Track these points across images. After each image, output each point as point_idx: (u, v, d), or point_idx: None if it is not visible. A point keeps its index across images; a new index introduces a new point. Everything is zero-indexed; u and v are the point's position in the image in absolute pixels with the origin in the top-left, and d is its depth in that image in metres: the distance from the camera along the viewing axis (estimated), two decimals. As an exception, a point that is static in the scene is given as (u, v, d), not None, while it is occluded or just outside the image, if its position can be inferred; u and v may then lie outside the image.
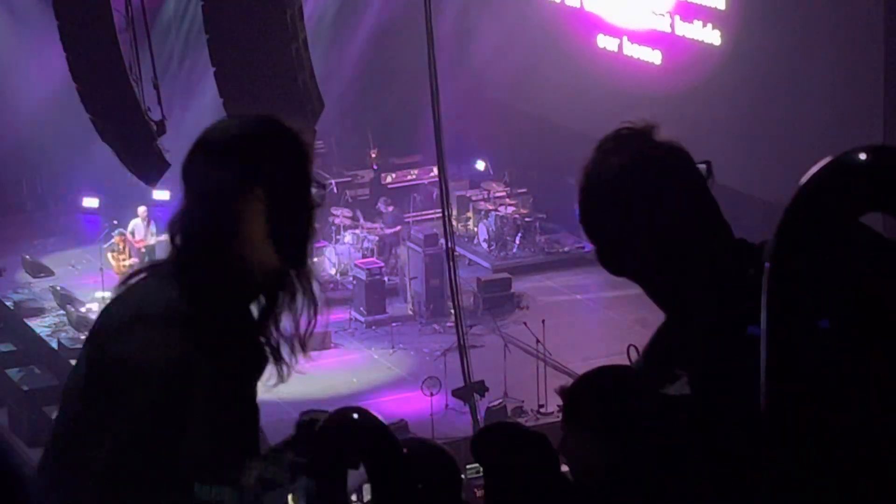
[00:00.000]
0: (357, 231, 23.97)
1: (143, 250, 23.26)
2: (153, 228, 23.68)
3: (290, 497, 2.87)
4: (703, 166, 2.13)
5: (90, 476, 2.84)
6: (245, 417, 2.98)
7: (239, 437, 2.92)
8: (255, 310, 3.01)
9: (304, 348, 3.00)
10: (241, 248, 2.89)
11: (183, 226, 2.93)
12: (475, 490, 10.62)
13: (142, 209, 23.60)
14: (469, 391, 17.61)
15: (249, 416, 3.01)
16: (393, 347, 20.80)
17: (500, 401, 19.23)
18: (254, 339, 3.00)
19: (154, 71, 16.61)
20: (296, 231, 2.92)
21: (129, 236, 23.35)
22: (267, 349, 3.01)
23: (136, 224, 23.54)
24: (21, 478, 1.75)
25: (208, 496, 2.83)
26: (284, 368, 3.03)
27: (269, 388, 3.08)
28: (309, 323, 2.99)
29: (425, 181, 25.31)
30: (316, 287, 3.01)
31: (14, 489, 1.72)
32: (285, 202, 2.90)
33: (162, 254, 3.16)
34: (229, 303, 2.91)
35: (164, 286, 2.91)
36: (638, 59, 23.22)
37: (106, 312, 2.98)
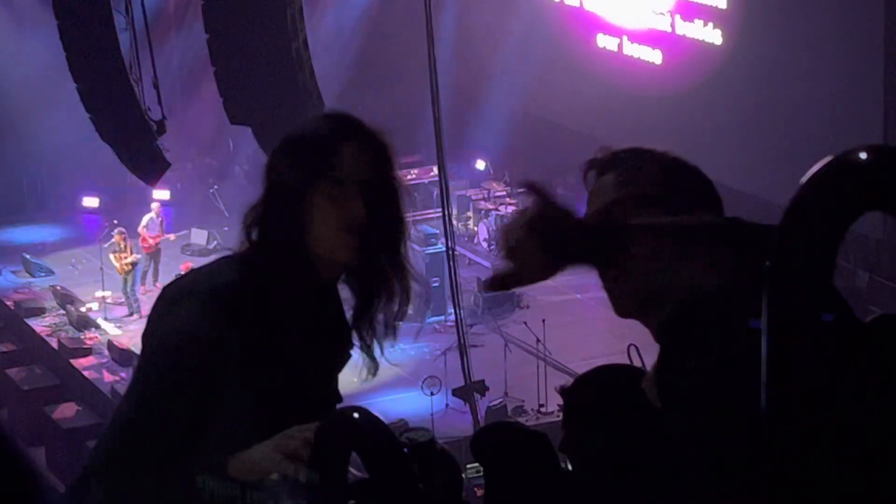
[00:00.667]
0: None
1: (158, 246, 23.27)
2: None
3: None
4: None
5: (108, 434, 2.94)
6: (302, 407, 2.98)
7: (280, 425, 2.92)
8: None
9: (393, 336, 3.12)
10: (310, 239, 2.95)
11: (256, 218, 2.97)
12: (475, 489, 10.63)
13: (155, 205, 23.68)
14: (469, 390, 17.62)
15: (312, 405, 3.00)
16: (393, 346, 20.78)
17: (501, 400, 19.23)
18: (334, 329, 3.05)
19: (154, 70, 16.63)
20: (375, 224, 2.96)
21: (141, 231, 23.36)
22: (357, 341, 3.09)
23: (150, 219, 23.57)
24: (34, 475, 1.75)
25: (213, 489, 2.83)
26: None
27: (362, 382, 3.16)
28: (397, 311, 3.08)
29: (425, 180, 25.30)
30: (409, 278, 3.07)
31: (28, 488, 1.72)
32: (358, 196, 2.94)
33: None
34: (296, 291, 2.94)
35: (227, 268, 2.98)
36: (638, 58, 23.22)
37: (166, 286, 3.06)
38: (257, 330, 2.89)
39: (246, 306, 2.89)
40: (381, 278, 3.05)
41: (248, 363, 2.88)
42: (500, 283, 2.24)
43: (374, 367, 3.16)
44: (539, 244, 2.17)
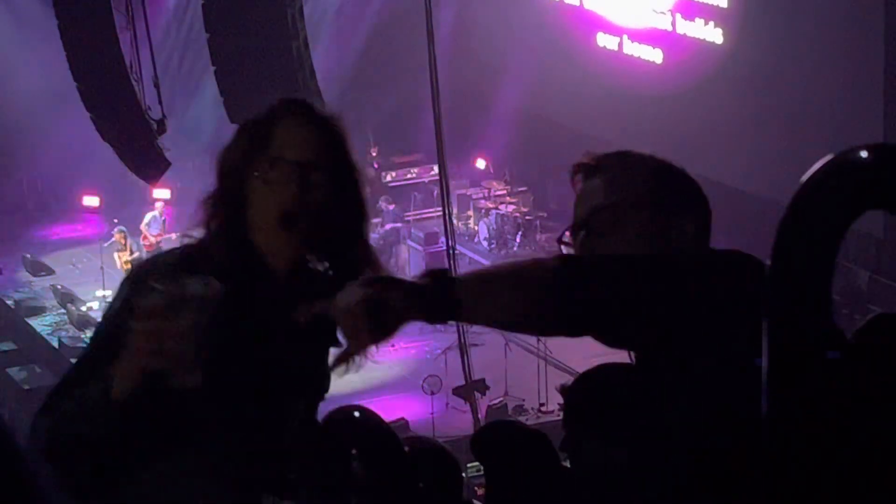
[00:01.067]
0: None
1: (160, 245, 23.29)
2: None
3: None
4: None
5: None
6: (243, 395, 2.89)
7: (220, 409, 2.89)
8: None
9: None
10: (251, 226, 2.88)
11: (205, 205, 2.94)
12: (476, 489, 10.62)
13: (160, 203, 23.72)
14: (470, 389, 17.62)
15: (258, 396, 2.92)
16: (393, 346, 20.79)
17: (501, 399, 19.23)
18: (285, 322, 2.96)
19: (154, 70, 16.63)
20: (326, 210, 2.86)
21: (142, 228, 23.38)
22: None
23: (153, 217, 23.59)
24: (34, 475, 1.75)
25: None
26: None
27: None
28: None
29: (426, 179, 25.33)
30: (379, 270, 2.93)
31: (28, 487, 1.72)
32: (293, 178, 2.84)
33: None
34: (230, 278, 2.84)
35: (174, 253, 2.96)
36: (638, 57, 23.21)
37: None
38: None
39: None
40: (347, 270, 2.88)
41: None
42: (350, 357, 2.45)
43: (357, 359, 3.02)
44: (376, 313, 2.36)
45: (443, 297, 2.35)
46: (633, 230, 2.61)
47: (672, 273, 2.41)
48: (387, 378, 19.85)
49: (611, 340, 2.46)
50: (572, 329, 2.46)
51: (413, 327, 2.53)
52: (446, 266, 18.84)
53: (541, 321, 2.42)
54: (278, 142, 2.88)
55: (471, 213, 25.32)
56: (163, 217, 23.67)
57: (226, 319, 2.80)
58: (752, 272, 2.35)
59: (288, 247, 2.87)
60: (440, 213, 17.83)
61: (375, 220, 24.24)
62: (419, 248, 22.83)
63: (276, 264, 2.89)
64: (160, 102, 16.39)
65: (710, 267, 2.47)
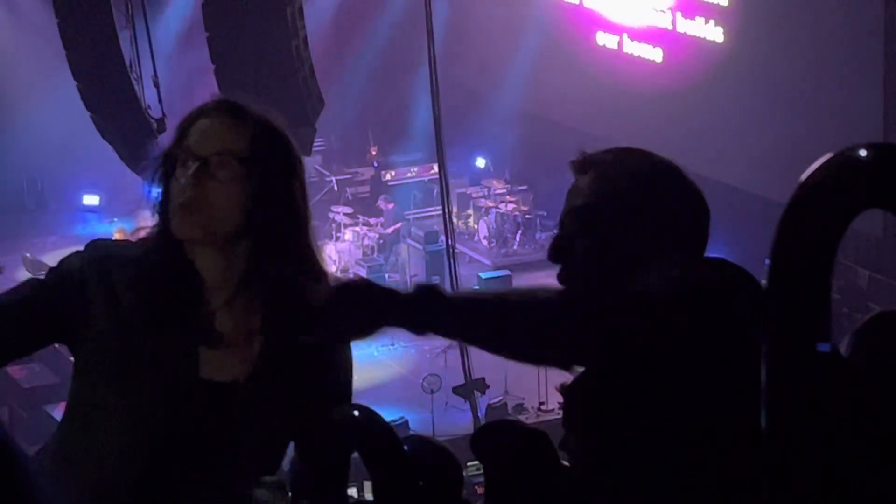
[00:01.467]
0: (357, 228, 24.01)
1: None
2: None
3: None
4: None
5: None
6: (144, 385, 2.92)
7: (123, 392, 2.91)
8: None
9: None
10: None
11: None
12: (476, 488, 10.63)
13: None
14: (470, 388, 17.61)
15: (163, 388, 2.89)
16: (393, 344, 20.81)
17: (501, 398, 19.22)
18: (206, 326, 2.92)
19: (154, 69, 16.61)
20: (227, 207, 2.83)
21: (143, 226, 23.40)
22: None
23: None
24: (32, 475, 1.75)
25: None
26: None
27: None
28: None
29: (425, 178, 25.30)
30: (324, 279, 2.85)
31: (27, 487, 1.72)
32: (197, 173, 2.85)
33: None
34: (153, 274, 2.89)
35: (132, 243, 3.07)
36: (638, 56, 23.20)
37: None
38: (105, 293, 2.93)
39: (108, 269, 2.96)
40: (283, 265, 2.82)
41: (89, 316, 2.85)
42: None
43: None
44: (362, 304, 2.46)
45: (426, 309, 2.39)
46: (609, 232, 2.59)
47: (654, 302, 2.41)
48: (387, 377, 19.84)
49: (601, 371, 2.49)
50: (566, 362, 2.50)
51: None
52: (447, 263, 18.88)
53: (531, 351, 2.45)
54: (191, 138, 2.88)
55: (470, 211, 25.31)
56: (163, 216, 23.67)
57: (145, 313, 2.85)
58: (736, 284, 2.34)
59: (185, 242, 2.87)
60: (440, 212, 17.82)
61: (375, 221, 24.23)
62: (419, 246, 22.81)
63: (200, 265, 2.88)
64: (160, 101, 16.37)
65: (690, 287, 2.45)
